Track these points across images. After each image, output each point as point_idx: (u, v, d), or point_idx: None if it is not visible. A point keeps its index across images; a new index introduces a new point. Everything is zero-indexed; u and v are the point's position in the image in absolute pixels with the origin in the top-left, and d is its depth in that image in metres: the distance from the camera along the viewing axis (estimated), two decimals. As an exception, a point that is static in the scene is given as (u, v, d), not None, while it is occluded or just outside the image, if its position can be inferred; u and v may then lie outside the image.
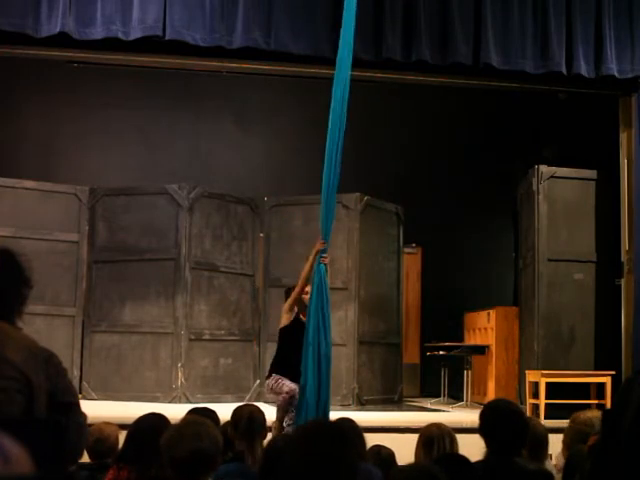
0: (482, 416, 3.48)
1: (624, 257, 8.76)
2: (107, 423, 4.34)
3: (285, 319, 6.59)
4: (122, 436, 3.72)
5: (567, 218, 8.96)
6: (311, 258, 6.29)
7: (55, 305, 9.33)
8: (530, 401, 8.61)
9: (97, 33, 7.62)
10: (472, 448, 3.46)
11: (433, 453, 3.80)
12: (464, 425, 6.55)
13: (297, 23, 7.90)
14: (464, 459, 3.05)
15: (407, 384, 10.61)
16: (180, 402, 8.90)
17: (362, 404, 9.29)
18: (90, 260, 9.60)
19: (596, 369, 8.63)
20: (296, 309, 6.51)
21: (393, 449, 4.26)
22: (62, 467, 2.37)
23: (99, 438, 4.06)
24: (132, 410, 6.66)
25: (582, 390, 8.58)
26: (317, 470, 2.13)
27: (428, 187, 10.99)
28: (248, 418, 4.29)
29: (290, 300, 6.51)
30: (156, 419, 3.62)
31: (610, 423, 2.20)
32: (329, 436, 2.18)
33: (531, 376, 8.71)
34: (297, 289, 6.44)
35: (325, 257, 6.19)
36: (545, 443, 4.28)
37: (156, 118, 10.89)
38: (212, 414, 4.24)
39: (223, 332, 9.59)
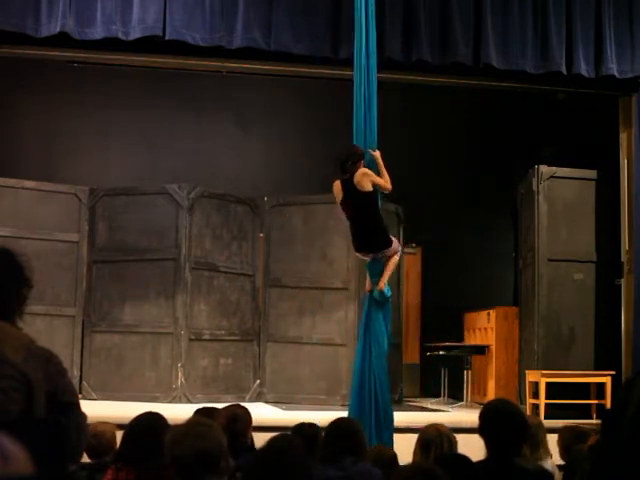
0: (482, 416, 3.47)
1: (624, 257, 8.77)
2: (103, 422, 4.34)
3: (370, 185, 6.53)
4: (121, 436, 3.70)
5: (567, 218, 8.96)
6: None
7: (55, 305, 9.32)
8: (530, 401, 8.61)
9: (97, 33, 7.62)
10: (472, 448, 3.45)
11: (430, 456, 3.80)
12: (464, 425, 6.54)
13: (297, 23, 7.90)
14: (466, 459, 3.05)
15: (407, 384, 10.60)
16: (180, 402, 8.89)
17: (362, 404, 9.27)
18: (90, 260, 9.60)
19: (596, 369, 8.63)
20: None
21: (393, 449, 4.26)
22: (62, 467, 2.37)
23: (94, 434, 4.06)
24: (132, 410, 6.63)
25: (582, 390, 8.59)
26: None
27: (428, 187, 10.98)
28: (231, 419, 4.25)
29: (386, 182, 6.68)
30: (153, 418, 3.59)
31: (610, 423, 2.20)
32: (278, 464, 2.19)
33: (531, 376, 8.71)
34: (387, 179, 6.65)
35: None
36: (532, 432, 4.25)
37: (156, 118, 10.88)
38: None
39: (223, 332, 9.58)
